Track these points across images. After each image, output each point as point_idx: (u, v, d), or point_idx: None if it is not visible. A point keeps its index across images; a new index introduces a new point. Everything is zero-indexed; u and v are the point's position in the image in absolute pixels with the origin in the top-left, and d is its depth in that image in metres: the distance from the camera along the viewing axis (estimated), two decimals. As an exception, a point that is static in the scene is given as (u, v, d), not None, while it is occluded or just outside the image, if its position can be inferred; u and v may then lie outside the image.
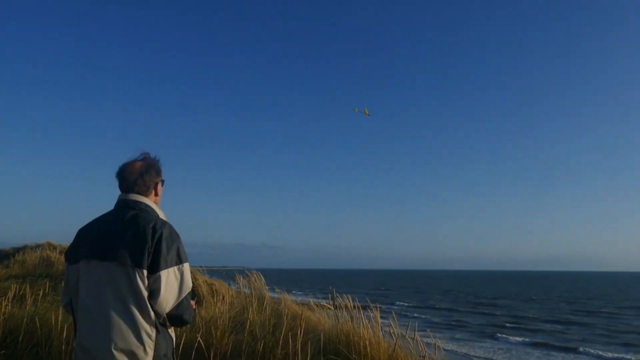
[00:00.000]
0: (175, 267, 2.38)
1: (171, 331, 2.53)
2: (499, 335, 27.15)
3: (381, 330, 5.98)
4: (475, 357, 20.88)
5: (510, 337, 26.39)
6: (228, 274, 12.73)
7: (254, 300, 7.04)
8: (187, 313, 2.47)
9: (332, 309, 6.69)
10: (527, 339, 25.89)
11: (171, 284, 2.36)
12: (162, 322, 2.41)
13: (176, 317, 2.42)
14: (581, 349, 22.83)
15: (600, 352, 22.21)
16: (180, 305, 2.41)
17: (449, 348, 20.97)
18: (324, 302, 7.49)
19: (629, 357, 21.44)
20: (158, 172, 2.68)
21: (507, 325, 32.15)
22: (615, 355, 21.73)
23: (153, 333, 2.34)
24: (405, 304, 48.90)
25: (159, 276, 2.32)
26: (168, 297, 2.35)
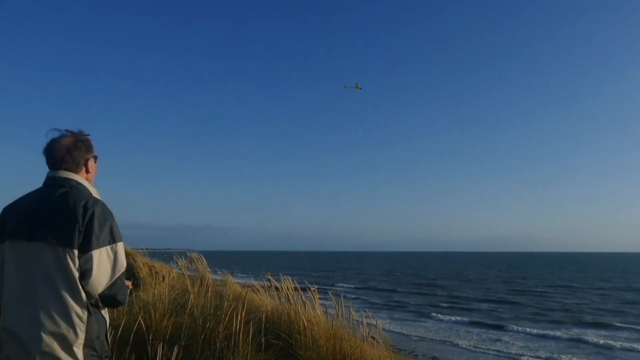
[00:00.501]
0: (108, 247, 2.32)
1: (104, 312, 2.45)
2: (437, 315, 28.19)
3: (323, 311, 6.09)
4: (414, 336, 21.60)
5: (448, 317, 27.48)
6: (170, 256, 12.55)
7: (195, 282, 6.97)
8: (121, 293, 2.41)
9: (274, 290, 6.74)
10: (464, 318, 27.02)
11: (103, 264, 2.30)
12: (94, 304, 2.34)
13: (109, 298, 2.36)
14: (512, 327, 24.07)
15: (528, 329, 23.54)
16: (113, 285, 2.35)
17: (388, 328, 21.57)
18: (265, 284, 7.52)
19: (552, 333, 22.83)
20: (89, 148, 2.56)
21: (445, 305, 33.40)
22: (542, 332, 23.07)
23: (84, 315, 2.27)
24: (348, 286, 49.87)
25: (91, 256, 2.25)
26: (100, 278, 2.29)
